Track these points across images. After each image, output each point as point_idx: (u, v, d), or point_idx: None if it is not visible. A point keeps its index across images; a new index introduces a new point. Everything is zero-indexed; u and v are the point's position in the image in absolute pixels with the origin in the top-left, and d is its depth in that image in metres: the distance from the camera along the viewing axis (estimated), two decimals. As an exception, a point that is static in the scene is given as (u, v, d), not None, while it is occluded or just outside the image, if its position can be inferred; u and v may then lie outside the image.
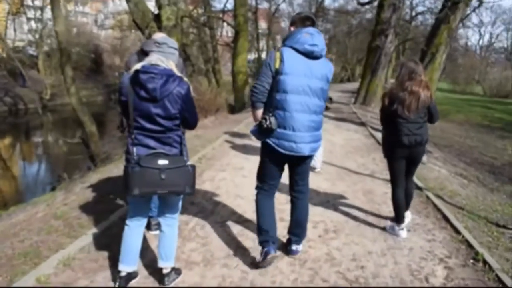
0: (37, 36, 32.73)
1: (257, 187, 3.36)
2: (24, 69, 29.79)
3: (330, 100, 3.32)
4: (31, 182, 13.00)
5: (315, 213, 4.44)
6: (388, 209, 4.68)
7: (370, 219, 4.41)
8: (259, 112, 3.07)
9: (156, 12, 12.50)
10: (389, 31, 16.52)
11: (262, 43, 40.42)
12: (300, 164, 3.24)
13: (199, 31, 21.33)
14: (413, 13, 37.84)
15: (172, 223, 2.98)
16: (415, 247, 3.75)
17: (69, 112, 26.40)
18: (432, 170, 7.18)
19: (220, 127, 10.33)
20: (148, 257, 3.38)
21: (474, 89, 50.51)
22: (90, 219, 4.13)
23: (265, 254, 3.16)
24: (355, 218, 4.41)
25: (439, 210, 4.69)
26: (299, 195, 3.37)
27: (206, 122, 11.08)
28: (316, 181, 5.67)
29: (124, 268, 2.88)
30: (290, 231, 3.47)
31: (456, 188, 6.20)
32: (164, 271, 2.98)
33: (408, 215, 4.23)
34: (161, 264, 2.96)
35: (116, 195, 4.91)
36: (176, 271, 3.08)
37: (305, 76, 2.96)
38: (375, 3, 29.55)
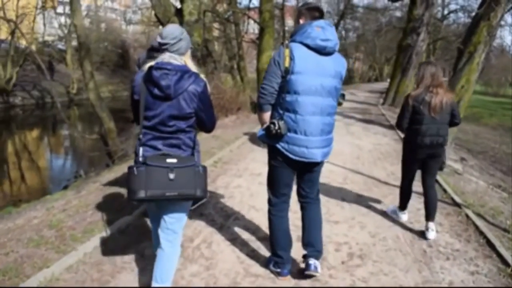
0: (66, 30, 33.02)
1: (269, 200, 3.05)
2: (53, 63, 30.26)
3: (342, 96, 2.89)
4: (50, 178, 12.86)
5: (339, 233, 3.93)
6: (422, 230, 4.11)
7: (402, 241, 3.85)
8: (267, 115, 2.82)
9: (179, 6, 12.12)
10: (422, 29, 15.73)
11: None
12: (311, 171, 2.94)
13: (224, 27, 20.94)
14: (445, 11, 36.54)
15: (173, 239, 2.58)
16: (455, 282, 3.17)
17: (105, 105, 26.68)
18: (469, 181, 6.53)
19: (241, 127, 9.86)
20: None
21: (507, 91, 48.68)
22: (85, 231, 3.71)
23: (277, 275, 2.95)
24: (384, 240, 3.86)
25: (481, 233, 4.08)
26: (310, 201, 3.07)
27: (226, 121, 10.65)
28: (341, 193, 5.14)
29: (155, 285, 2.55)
30: (304, 242, 3.07)
31: (497, 204, 5.55)
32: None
33: (433, 228, 3.97)
34: (153, 284, 2.54)
35: (121, 199, 4.52)
36: None
37: (317, 74, 2.67)
38: (406, 0, 28.66)
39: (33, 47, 32.10)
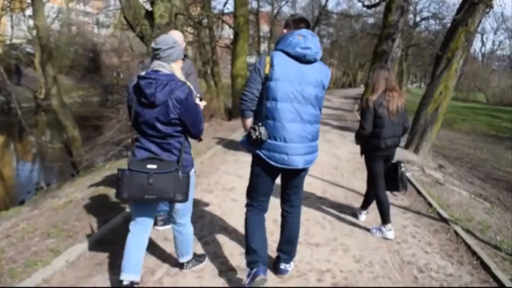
0: (34, 33, 31.80)
1: (247, 204, 3.08)
2: (20, 67, 29.11)
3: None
4: (9, 190, 12.00)
5: (320, 258, 3.52)
6: (411, 251, 3.76)
7: (390, 266, 3.47)
8: (249, 121, 2.83)
9: (149, 8, 11.58)
10: (397, 35, 15.61)
11: (264, 46, 39.55)
12: (293, 178, 2.97)
13: (198, 32, 20.47)
14: (417, 19, 37.05)
15: (182, 229, 3.00)
16: (453, 315, 2.82)
17: (69, 112, 25.68)
18: (452, 192, 6.26)
19: (214, 135, 9.37)
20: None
21: (476, 96, 49.84)
22: (28, 264, 3.16)
23: (253, 276, 2.79)
24: (370, 265, 3.47)
25: (474, 253, 3.75)
26: (291, 209, 3.09)
27: (198, 129, 10.18)
28: (320, 209, 4.75)
29: (126, 276, 2.70)
30: (279, 249, 3.18)
31: (483, 217, 5.28)
32: (184, 261, 3.14)
33: (392, 231, 4.06)
34: (181, 259, 3.13)
35: (73, 223, 3.99)
36: (198, 258, 3.24)
37: (297, 82, 2.69)
38: (380, 7, 28.80)
39: (-1, 50, 30.92)
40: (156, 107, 2.54)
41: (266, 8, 36.30)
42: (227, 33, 29.73)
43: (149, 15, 11.30)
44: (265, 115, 2.72)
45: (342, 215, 4.61)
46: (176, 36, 3.46)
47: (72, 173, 11.07)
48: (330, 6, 59.19)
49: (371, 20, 37.92)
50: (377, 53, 16.72)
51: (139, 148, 2.68)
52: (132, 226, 2.80)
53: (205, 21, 19.32)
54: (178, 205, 2.84)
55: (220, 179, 5.83)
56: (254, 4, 29.22)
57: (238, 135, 9.34)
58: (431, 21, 35.51)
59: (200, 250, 3.52)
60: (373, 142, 3.93)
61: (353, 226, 4.29)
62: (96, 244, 3.58)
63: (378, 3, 21.07)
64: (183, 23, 11.96)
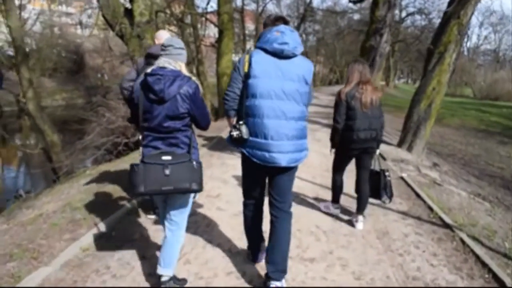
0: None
1: (243, 202, 3.11)
2: (1, 70, 28.32)
3: None
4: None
5: (316, 275, 3.14)
6: (415, 264, 3.40)
7: (394, 283, 3.11)
8: (232, 120, 2.86)
9: (128, 6, 11.10)
10: (385, 30, 15.32)
11: (250, 44, 39.12)
12: (278, 178, 2.86)
13: (181, 31, 20.01)
14: (403, 14, 36.99)
15: (175, 229, 2.86)
16: None
17: (48, 115, 24.94)
18: (452, 193, 5.93)
19: (198, 136, 8.96)
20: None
21: (463, 91, 50.06)
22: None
23: (253, 261, 3.20)
24: (372, 282, 3.10)
25: (484, 264, 3.41)
26: (279, 213, 2.89)
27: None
28: (314, 217, 4.37)
29: (163, 271, 2.81)
30: (267, 261, 2.91)
31: (487, 220, 4.95)
32: (163, 279, 2.82)
33: (361, 219, 4.14)
34: (159, 270, 2.82)
35: (40, 241, 3.56)
36: (177, 281, 2.92)
37: (277, 78, 2.67)
38: (366, 3, 28.57)
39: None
40: (165, 102, 2.60)
41: (251, 6, 35.90)
42: (213, 32, 29.28)
43: (129, 13, 10.82)
44: (246, 112, 2.72)
45: (337, 223, 4.24)
46: (164, 35, 3.83)
47: (54, 179, 10.60)
48: (315, 3, 58.92)
49: (356, 17, 37.85)
50: (365, 48, 16.41)
51: (146, 146, 2.72)
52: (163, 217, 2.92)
53: (188, 19, 18.88)
54: (177, 201, 2.82)
55: (205, 185, 5.38)
56: (239, 2, 28.81)
57: (224, 136, 8.94)
58: (417, 16, 35.44)
59: (181, 271, 3.11)
60: (346, 134, 3.93)
61: (350, 237, 3.92)
62: (63, 266, 3.16)
63: (364, -2, 20.82)
64: (164, 21, 11.49)
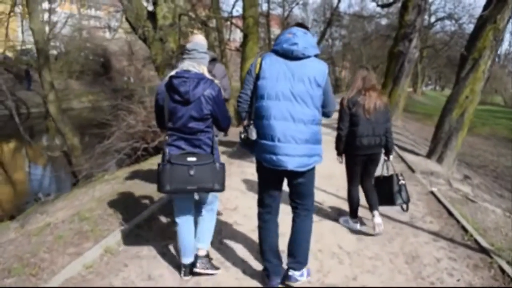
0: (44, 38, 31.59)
1: (257, 213, 3.01)
2: (30, 72, 28.94)
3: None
4: (9, 199, 11.52)
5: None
6: (449, 296, 3.04)
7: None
8: (244, 122, 2.83)
9: (151, 9, 11.01)
10: (414, 35, 14.85)
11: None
12: (294, 181, 2.81)
13: (206, 34, 19.92)
14: (432, 19, 36.03)
15: (211, 213, 3.19)
16: None
17: (74, 117, 25.28)
18: (486, 211, 5.49)
19: (219, 142, 8.71)
20: None
21: (494, 99, 48.58)
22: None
23: (264, 284, 2.97)
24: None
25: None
26: (297, 218, 2.92)
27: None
28: (336, 236, 4.05)
29: (186, 260, 3.05)
30: (288, 254, 2.97)
31: (527, 243, 4.52)
32: (199, 253, 3.06)
33: (377, 215, 4.03)
34: (198, 245, 3.07)
35: (44, 255, 3.36)
36: (211, 261, 3.14)
37: (285, 79, 2.63)
38: (393, 8, 27.95)
39: (10, 55, 30.80)
40: (190, 104, 2.72)
41: (277, 11, 35.66)
42: (238, 36, 29.16)
43: (152, 16, 10.74)
44: (255, 114, 2.72)
45: (362, 243, 3.90)
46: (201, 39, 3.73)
47: (74, 182, 10.56)
48: (342, 7, 58.46)
49: (384, 21, 37.14)
50: (393, 54, 15.94)
51: (170, 145, 2.82)
52: (178, 219, 3.06)
53: (213, 23, 18.76)
54: (206, 197, 3.11)
55: (221, 196, 5.10)
56: (265, 7, 28.60)
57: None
58: (447, 22, 34.50)
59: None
60: (349, 140, 3.93)
61: (376, 260, 3.57)
62: (63, 284, 2.94)
63: (393, 2, 20.34)
64: (188, 24, 11.35)
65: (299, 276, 2.92)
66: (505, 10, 7.62)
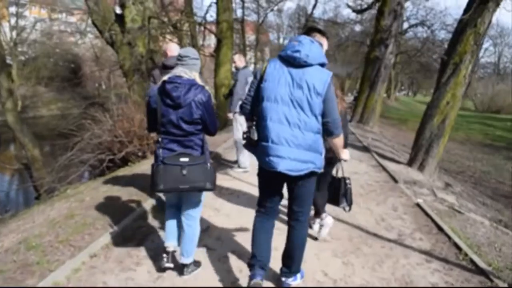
0: (11, 44, 30.46)
1: (256, 210, 3.06)
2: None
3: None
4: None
5: None
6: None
7: None
8: (247, 123, 2.95)
9: (119, 12, 10.46)
10: (390, 41, 14.78)
11: (250, 55, 38.60)
12: (292, 186, 2.86)
13: (179, 39, 19.43)
14: (405, 25, 36.39)
15: (192, 223, 3.20)
16: None
17: (42, 125, 24.24)
18: (475, 224, 5.16)
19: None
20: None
21: (465, 103, 49.53)
22: None
23: (249, 278, 2.88)
24: None
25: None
26: (293, 223, 2.97)
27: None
28: (320, 260, 3.61)
29: (169, 244, 3.25)
30: (282, 262, 3.09)
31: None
32: (184, 262, 3.21)
33: (318, 222, 4.19)
34: (183, 260, 3.21)
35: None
36: (196, 263, 3.31)
37: (285, 84, 2.67)
38: (367, 14, 28.08)
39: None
40: (181, 108, 2.87)
41: (252, 17, 35.41)
42: (213, 41, 28.68)
43: (120, 19, 10.19)
44: (257, 116, 2.78)
45: (349, 269, 3.48)
46: (176, 48, 4.43)
47: (36, 196, 9.85)
48: (317, 14, 58.48)
49: (358, 28, 37.35)
50: (369, 59, 15.80)
51: (162, 148, 2.97)
52: (168, 209, 3.33)
53: (186, 27, 18.28)
54: (193, 198, 3.15)
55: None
56: (240, 13, 28.26)
57: (221, 150, 8.21)
58: (419, 28, 34.89)
59: None
60: None
61: (366, 288, 3.16)
62: None
63: (368, 8, 20.30)
64: (157, 28, 10.82)
65: (292, 281, 3.05)
66: (486, 14, 7.43)
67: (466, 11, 7.70)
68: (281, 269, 3.05)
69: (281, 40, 47.68)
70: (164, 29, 13.92)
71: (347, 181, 4.06)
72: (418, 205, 5.41)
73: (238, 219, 4.47)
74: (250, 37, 38.80)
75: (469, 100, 51.32)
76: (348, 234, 4.28)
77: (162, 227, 4.17)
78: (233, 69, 7.08)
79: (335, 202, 4.05)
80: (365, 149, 9.77)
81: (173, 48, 4.44)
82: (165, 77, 2.88)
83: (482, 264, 3.61)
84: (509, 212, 7.98)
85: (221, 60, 15.65)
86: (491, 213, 7.20)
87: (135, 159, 8.10)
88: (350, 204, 4.04)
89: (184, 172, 2.86)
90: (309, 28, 3.11)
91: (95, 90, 35.14)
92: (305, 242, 2.99)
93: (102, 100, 19.91)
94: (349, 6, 23.83)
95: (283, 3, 38.04)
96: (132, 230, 4.07)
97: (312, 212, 4.01)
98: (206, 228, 4.21)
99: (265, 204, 2.96)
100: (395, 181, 6.56)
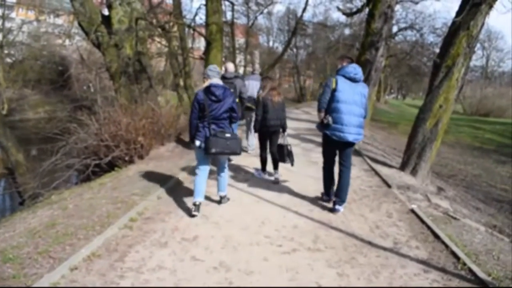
0: (-6, 44, 29.96)
1: (323, 164, 5.29)
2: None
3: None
4: None
5: None
6: None
7: None
8: (322, 114, 4.86)
9: (106, 13, 10.21)
10: (380, 44, 14.63)
11: (240, 57, 38.39)
12: (345, 148, 4.96)
13: (168, 42, 19.20)
14: (395, 29, 36.53)
15: (225, 171, 5.11)
16: None
17: (29, 128, 23.78)
18: (471, 230, 5.03)
19: (179, 159, 7.95)
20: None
21: (455, 106, 49.85)
22: None
23: (326, 202, 5.35)
24: None
25: None
26: (344, 168, 4.99)
27: (161, 151, 8.68)
28: (313, 273, 3.45)
29: (198, 199, 4.69)
30: (335, 194, 5.06)
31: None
32: (222, 195, 5.16)
33: (277, 174, 6.46)
34: (220, 193, 5.15)
35: None
36: (227, 197, 5.24)
37: (350, 92, 4.75)
38: (356, 18, 28.10)
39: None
40: (221, 102, 4.61)
41: (241, 20, 35.24)
42: (203, 44, 28.45)
43: (106, 20, 9.94)
44: (332, 110, 4.75)
45: (344, 280, 3.32)
46: (231, 66, 7.36)
47: (21, 201, 9.54)
48: (306, 17, 58.76)
49: (347, 31, 37.44)
50: (360, 63, 15.62)
51: (207, 128, 4.61)
52: (198, 170, 4.81)
53: (175, 30, 18.06)
54: (223, 158, 5.00)
55: (180, 222, 4.47)
56: (229, 16, 28.05)
57: (181, 177, 7.99)
58: (409, 32, 35.09)
59: None
60: (263, 122, 6.15)
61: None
62: None
63: (358, 11, 20.26)
64: (145, 29, 10.58)
65: (342, 207, 5.04)
66: (479, 17, 7.33)
67: (458, 13, 7.60)
68: (334, 201, 5.02)
69: (270, 43, 47.63)
70: (152, 31, 13.70)
71: (289, 147, 6.13)
72: (412, 211, 5.28)
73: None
74: (240, 40, 38.62)
75: (458, 103, 51.72)
76: (342, 242, 4.12)
77: (147, 236, 3.98)
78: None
79: (282, 160, 6.14)
80: (357, 152, 9.63)
81: (230, 66, 7.29)
82: (207, 83, 4.61)
83: (481, 274, 3.47)
84: (502, 217, 7.90)
85: (211, 63, 15.37)
86: (485, 218, 7.10)
87: (121, 164, 7.87)
88: (292, 161, 6.12)
89: (228, 142, 4.58)
90: (344, 56, 5.22)
91: (83, 93, 34.61)
92: (350, 180, 5.01)
93: (90, 102, 19.57)
94: (339, 9, 23.77)
95: (272, 6, 37.79)
96: (116, 240, 3.87)
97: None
98: (194, 237, 4.03)
99: (330, 160, 5.15)
100: (388, 186, 6.43)
